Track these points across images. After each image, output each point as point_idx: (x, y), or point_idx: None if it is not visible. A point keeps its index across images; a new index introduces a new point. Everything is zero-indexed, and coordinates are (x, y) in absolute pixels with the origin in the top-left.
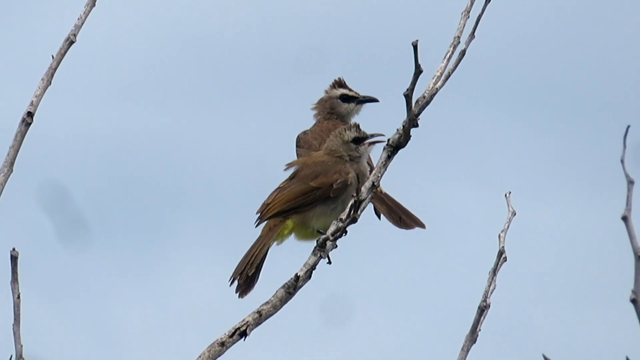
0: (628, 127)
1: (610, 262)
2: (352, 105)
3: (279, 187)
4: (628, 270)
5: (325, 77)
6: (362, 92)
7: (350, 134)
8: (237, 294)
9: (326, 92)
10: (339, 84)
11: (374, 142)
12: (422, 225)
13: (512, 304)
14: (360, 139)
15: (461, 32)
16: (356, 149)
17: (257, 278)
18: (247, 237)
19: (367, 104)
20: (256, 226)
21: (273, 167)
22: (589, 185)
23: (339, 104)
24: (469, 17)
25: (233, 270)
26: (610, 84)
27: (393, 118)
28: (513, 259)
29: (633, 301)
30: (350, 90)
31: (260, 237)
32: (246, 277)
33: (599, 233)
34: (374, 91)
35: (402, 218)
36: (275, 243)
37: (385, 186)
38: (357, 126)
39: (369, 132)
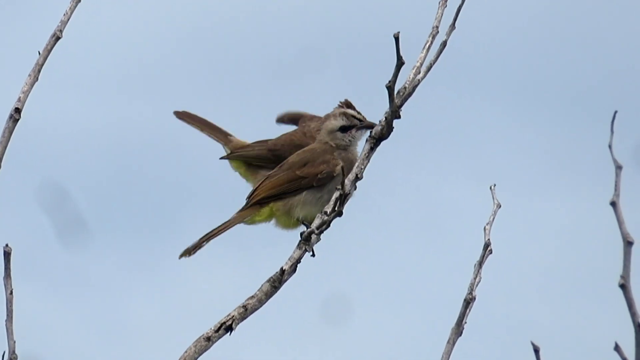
0: (615, 112)
1: (599, 248)
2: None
3: (268, 175)
4: (617, 256)
5: (324, 77)
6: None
7: (336, 123)
8: (179, 255)
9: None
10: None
11: (363, 128)
12: None
13: (498, 296)
14: (347, 128)
15: (439, 22)
16: (343, 138)
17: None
18: (246, 234)
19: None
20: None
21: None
22: (576, 173)
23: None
24: (446, 6)
25: (192, 244)
26: (594, 72)
27: (375, 110)
28: (499, 251)
29: (622, 286)
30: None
31: (230, 218)
32: (199, 247)
33: (588, 220)
34: (360, 84)
35: None
36: (242, 223)
37: (369, 178)
38: (344, 114)
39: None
